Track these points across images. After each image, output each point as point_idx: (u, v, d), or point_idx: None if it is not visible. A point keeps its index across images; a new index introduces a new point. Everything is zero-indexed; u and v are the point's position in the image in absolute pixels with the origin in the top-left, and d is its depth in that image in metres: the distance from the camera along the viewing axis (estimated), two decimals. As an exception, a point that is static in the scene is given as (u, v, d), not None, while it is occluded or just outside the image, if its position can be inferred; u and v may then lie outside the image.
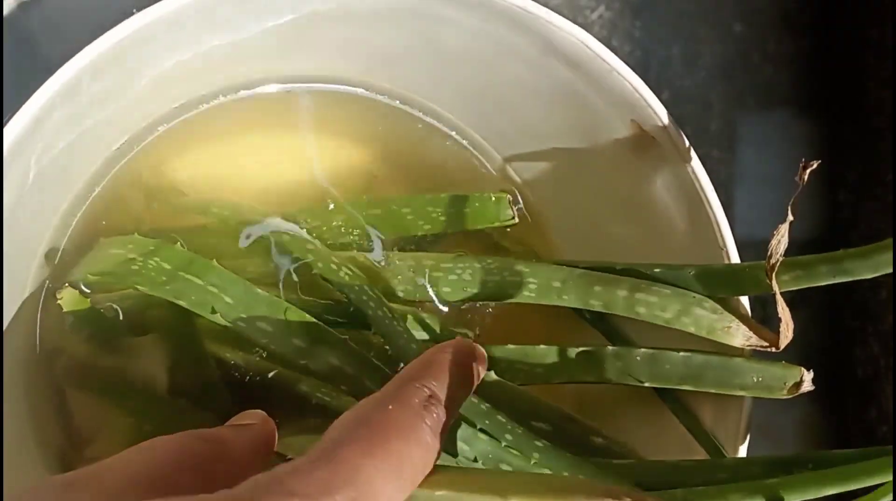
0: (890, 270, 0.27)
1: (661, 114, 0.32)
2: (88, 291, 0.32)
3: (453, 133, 0.39)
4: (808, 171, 0.27)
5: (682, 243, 0.33)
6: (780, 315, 0.29)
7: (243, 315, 0.28)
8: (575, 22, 0.32)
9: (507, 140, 0.38)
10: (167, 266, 0.29)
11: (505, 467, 0.28)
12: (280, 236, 0.34)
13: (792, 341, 0.30)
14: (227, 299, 0.29)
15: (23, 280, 0.33)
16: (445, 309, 0.35)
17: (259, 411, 0.25)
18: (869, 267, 0.27)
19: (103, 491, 0.20)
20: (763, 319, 0.32)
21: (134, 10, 0.29)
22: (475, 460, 0.27)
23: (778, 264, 0.28)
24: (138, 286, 0.30)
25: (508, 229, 0.37)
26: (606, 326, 0.35)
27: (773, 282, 0.28)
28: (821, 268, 0.28)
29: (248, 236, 0.34)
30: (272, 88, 0.38)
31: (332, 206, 0.36)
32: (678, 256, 0.33)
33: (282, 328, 0.28)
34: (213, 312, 0.28)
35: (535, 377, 0.32)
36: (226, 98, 0.37)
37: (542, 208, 0.39)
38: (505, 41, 0.33)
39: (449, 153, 0.39)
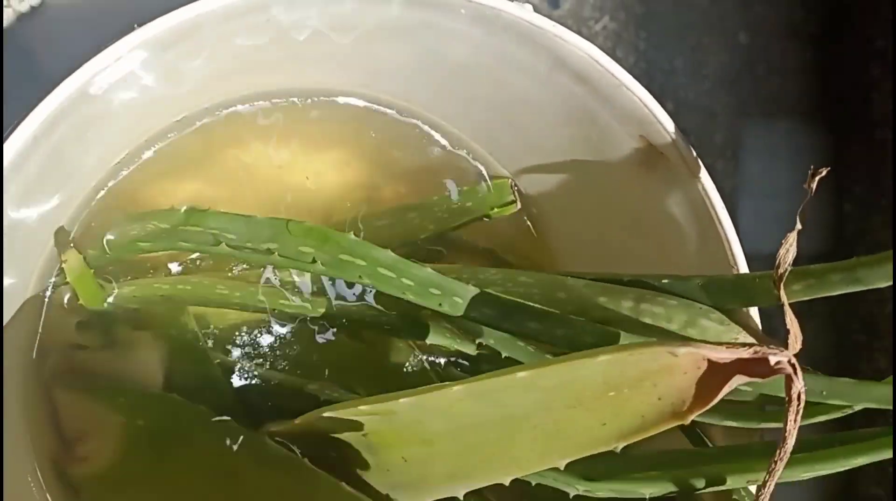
0: None
1: (671, 129, 0.31)
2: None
3: (458, 149, 0.39)
4: (816, 178, 0.27)
5: (692, 261, 0.33)
6: (788, 327, 0.28)
7: (249, 245, 0.30)
8: (579, 33, 0.31)
9: (513, 155, 0.38)
10: (165, 226, 0.32)
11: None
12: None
13: (798, 354, 0.30)
14: (230, 236, 0.31)
15: (25, 280, 0.33)
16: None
17: None
18: (883, 276, 0.27)
19: None
20: (769, 331, 0.32)
21: (136, 26, 0.29)
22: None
23: (787, 273, 0.27)
24: (146, 244, 0.32)
25: (514, 245, 0.37)
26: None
27: (782, 292, 0.27)
28: (833, 277, 0.28)
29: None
30: (273, 102, 0.37)
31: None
32: (687, 272, 0.32)
33: (287, 239, 0.30)
34: (217, 243, 0.30)
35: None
36: (226, 112, 0.37)
37: (549, 223, 0.38)
38: (511, 55, 0.33)
39: (452, 168, 0.39)
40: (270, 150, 0.38)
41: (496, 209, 0.37)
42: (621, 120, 0.32)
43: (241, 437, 0.29)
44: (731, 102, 0.49)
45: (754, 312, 0.31)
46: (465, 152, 0.39)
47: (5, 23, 0.41)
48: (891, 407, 0.27)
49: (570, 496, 0.28)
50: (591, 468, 0.27)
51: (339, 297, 0.34)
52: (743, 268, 0.31)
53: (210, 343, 0.33)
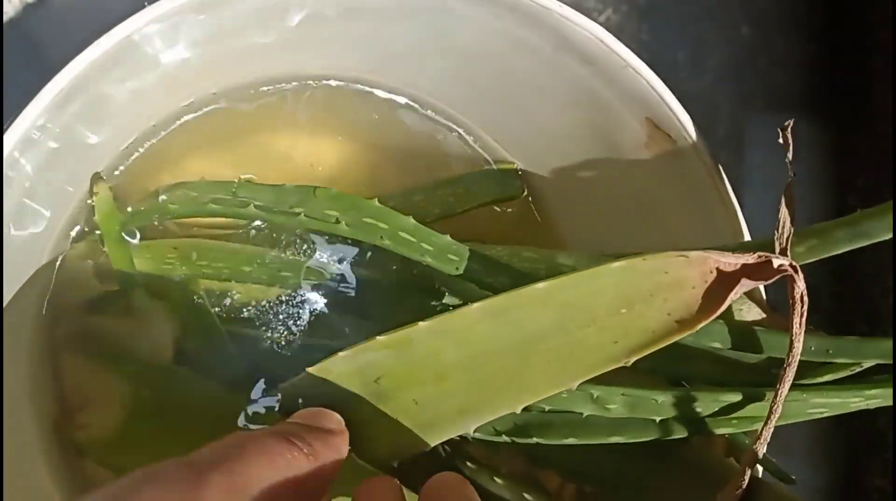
0: None
1: (677, 110, 0.31)
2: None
3: (462, 132, 0.39)
4: (788, 130, 0.27)
5: (699, 244, 0.33)
6: (793, 311, 0.28)
7: (275, 208, 0.32)
8: (582, 25, 0.31)
9: (518, 140, 0.38)
10: (193, 194, 0.34)
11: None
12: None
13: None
14: (258, 201, 0.32)
15: (40, 244, 0.33)
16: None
17: (338, 416, 0.24)
18: (887, 227, 0.27)
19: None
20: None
21: (146, 3, 0.29)
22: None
23: (790, 234, 0.27)
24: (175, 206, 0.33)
25: (519, 230, 0.37)
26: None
27: (787, 251, 0.27)
28: (837, 233, 0.28)
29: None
30: (278, 87, 0.38)
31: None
32: (693, 255, 0.32)
33: (314, 203, 0.31)
34: (246, 205, 0.32)
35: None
36: (234, 97, 0.37)
37: (554, 208, 0.38)
38: (517, 37, 0.33)
39: (457, 153, 0.39)
40: (276, 136, 0.38)
41: (502, 195, 0.37)
42: (627, 102, 0.32)
43: (251, 411, 0.29)
44: (734, 94, 0.49)
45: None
46: (470, 138, 0.39)
47: (11, 13, 0.41)
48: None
49: (584, 415, 0.29)
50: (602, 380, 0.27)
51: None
52: (749, 248, 0.31)
53: (222, 316, 0.33)
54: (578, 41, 0.31)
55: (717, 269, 0.25)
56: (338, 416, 0.24)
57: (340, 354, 0.25)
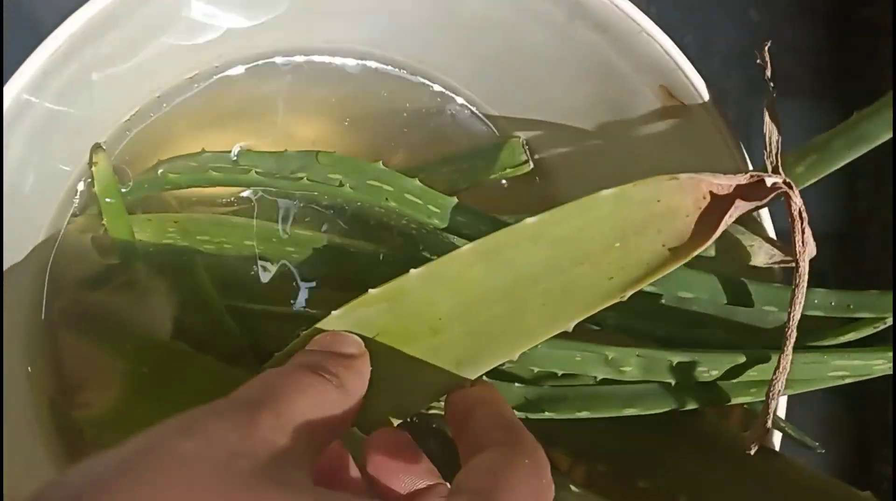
0: None
1: (692, 76, 0.31)
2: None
3: (469, 106, 0.38)
4: (766, 48, 0.26)
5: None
6: (794, 229, 0.27)
7: (277, 174, 0.32)
8: (589, 9, 0.31)
9: (526, 114, 0.37)
10: (193, 163, 0.33)
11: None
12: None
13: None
14: (259, 169, 0.32)
15: (40, 221, 0.33)
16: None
17: (356, 338, 0.24)
18: (885, 125, 0.26)
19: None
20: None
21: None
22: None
23: (779, 150, 0.26)
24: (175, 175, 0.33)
25: (526, 207, 0.36)
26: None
27: (779, 168, 0.26)
28: (836, 143, 0.27)
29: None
30: (286, 59, 0.37)
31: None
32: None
33: (317, 167, 0.31)
34: (248, 171, 0.32)
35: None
36: (235, 71, 0.36)
37: (562, 182, 0.38)
38: (528, 6, 0.32)
39: (464, 128, 0.38)
40: (279, 111, 0.37)
41: (508, 170, 0.37)
42: (641, 70, 0.32)
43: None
44: (741, 79, 0.48)
45: (767, 222, 0.30)
46: (477, 111, 0.38)
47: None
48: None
49: (597, 379, 0.28)
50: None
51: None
52: (766, 217, 0.30)
53: (221, 290, 0.32)
54: (592, 6, 0.31)
55: (711, 193, 0.25)
56: (356, 337, 0.24)
57: (334, 313, 0.24)
